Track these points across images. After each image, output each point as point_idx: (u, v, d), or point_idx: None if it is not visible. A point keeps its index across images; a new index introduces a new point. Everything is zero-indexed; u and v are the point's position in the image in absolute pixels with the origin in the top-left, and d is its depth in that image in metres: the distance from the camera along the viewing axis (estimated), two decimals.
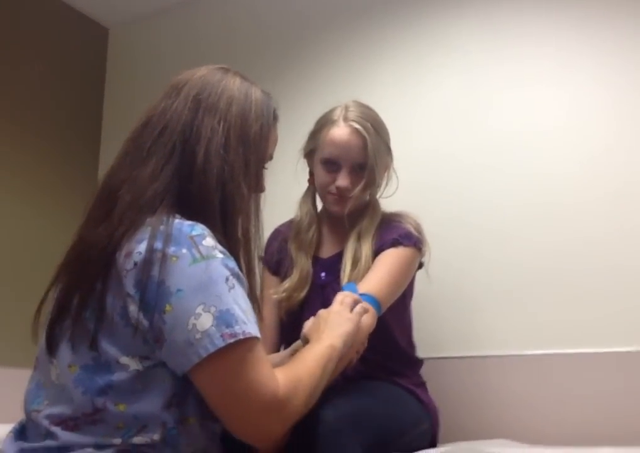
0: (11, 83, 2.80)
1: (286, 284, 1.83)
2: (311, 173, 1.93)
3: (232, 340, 1.06)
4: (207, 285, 1.08)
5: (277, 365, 1.20)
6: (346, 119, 1.79)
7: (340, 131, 1.79)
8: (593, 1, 2.24)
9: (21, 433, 1.19)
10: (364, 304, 1.49)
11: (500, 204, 2.24)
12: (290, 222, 1.98)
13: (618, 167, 2.11)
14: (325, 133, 1.81)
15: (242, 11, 2.96)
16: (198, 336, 1.05)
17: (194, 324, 1.06)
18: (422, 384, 1.86)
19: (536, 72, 2.29)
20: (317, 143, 1.84)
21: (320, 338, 1.33)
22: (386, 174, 1.88)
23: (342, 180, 1.79)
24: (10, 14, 2.83)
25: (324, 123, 1.84)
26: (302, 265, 1.85)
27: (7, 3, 2.82)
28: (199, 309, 1.06)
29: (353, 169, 1.80)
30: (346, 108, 1.82)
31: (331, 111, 1.85)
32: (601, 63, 2.20)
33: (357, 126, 1.78)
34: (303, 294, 1.82)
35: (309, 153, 1.90)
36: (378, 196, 1.90)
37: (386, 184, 1.90)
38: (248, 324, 1.09)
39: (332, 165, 1.80)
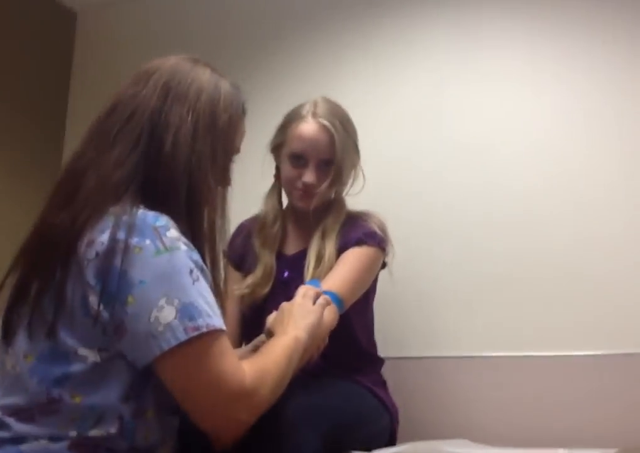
0: None
1: (250, 279, 1.83)
2: (277, 169, 1.92)
3: (195, 334, 1.05)
4: (170, 277, 1.07)
5: (240, 359, 1.19)
6: (314, 115, 1.79)
7: (308, 127, 1.78)
8: (566, 6, 2.26)
9: None
10: (326, 297, 1.50)
11: (463, 208, 2.25)
12: (255, 217, 1.97)
13: (580, 175, 2.13)
14: (293, 128, 1.80)
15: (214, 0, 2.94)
16: (160, 328, 1.04)
17: (157, 317, 1.04)
18: (382, 383, 1.87)
19: (503, 77, 2.30)
20: (285, 138, 1.83)
21: (284, 330, 1.33)
22: (353, 172, 1.88)
23: (309, 176, 1.78)
24: None
25: (292, 118, 1.83)
26: (265, 261, 1.84)
27: None
28: (162, 302, 1.05)
29: (320, 165, 1.79)
30: (315, 104, 1.81)
31: (300, 106, 1.84)
32: (569, 68, 2.22)
33: (325, 122, 1.77)
34: (266, 290, 1.81)
35: (276, 148, 1.89)
36: (344, 194, 1.90)
37: (353, 182, 1.89)
38: (212, 317, 1.08)
39: (299, 160, 1.80)
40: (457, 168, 2.29)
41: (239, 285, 1.84)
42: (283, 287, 1.81)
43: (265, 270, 1.83)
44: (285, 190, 1.89)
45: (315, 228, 1.83)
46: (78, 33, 3.23)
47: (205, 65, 1.31)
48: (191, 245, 1.13)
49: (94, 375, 1.08)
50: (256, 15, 2.82)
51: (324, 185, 1.80)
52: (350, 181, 1.89)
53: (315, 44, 2.66)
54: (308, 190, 1.80)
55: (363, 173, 1.91)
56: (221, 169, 1.27)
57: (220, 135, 1.25)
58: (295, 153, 1.80)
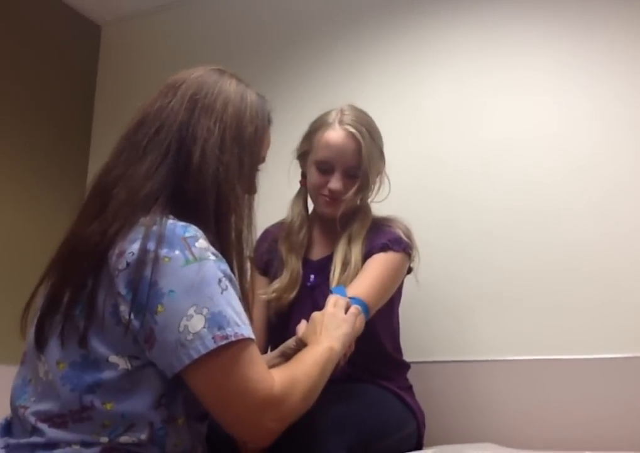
0: (2, 80, 2.78)
1: (276, 284, 1.83)
2: (303, 175, 1.93)
3: (223, 343, 1.06)
4: (199, 287, 1.08)
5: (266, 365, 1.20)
6: (341, 122, 1.79)
7: (335, 134, 1.79)
8: (584, 13, 2.27)
9: (6, 429, 1.18)
10: (357, 307, 1.50)
11: (488, 210, 2.25)
12: (281, 223, 1.98)
13: (604, 175, 2.13)
14: (320, 135, 1.81)
15: (236, 10, 2.96)
16: (190, 337, 1.05)
17: (186, 326, 1.05)
18: (408, 388, 1.87)
19: (526, 81, 2.31)
20: (311, 145, 1.84)
21: (318, 340, 1.34)
22: (378, 179, 1.88)
23: (335, 183, 1.79)
24: (1, 11, 2.81)
25: (319, 125, 1.84)
26: (292, 266, 1.85)
27: None
28: (191, 311, 1.06)
29: (346, 173, 1.80)
30: (342, 112, 1.82)
31: (326, 114, 1.85)
32: (590, 73, 2.22)
33: (352, 130, 1.78)
34: (292, 295, 1.81)
35: (302, 155, 1.90)
36: (369, 201, 1.91)
37: (379, 189, 1.89)
38: (241, 326, 1.09)
39: (326, 167, 1.80)
40: (481, 170, 2.30)
41: (266, 291, 1.84)
42: (309, 292, 1.82)
43: (292, 275, 1.83)
44: (312, 197, 1.90)
45: (341, 233, 1.84)
46: (102, 46, 3.28)
47: (231, 76, 1.32)
48: (219, 255, 1.15)
49: (125, 382, 1.09)
50: (278, 24, 2.84)
51: (351, 192, 1.80)
52: (376, 187, 1.89)
53: (341, 50, 2.67)
54: (334, 197, 1.80)
55: (388, 180, 1.91)
56: (247, 179, 1.28)
57: (246, 146, 1.26)
58: (322, 161, 1.80)
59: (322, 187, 1.81)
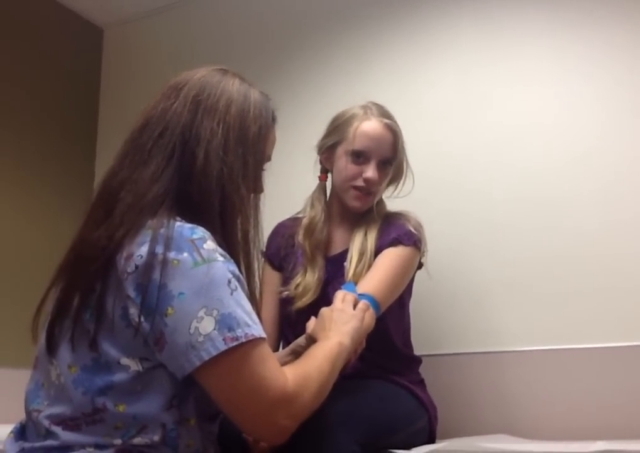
0: (5, 83, 2.78)
1: (299, 280, 1.82)
2: (323, 170, 1.94)
3: (234, 344, 1.06)
4: (208, 289, 1.08)
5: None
6: (375, 114, 1.82)
7: (374, 125, 1.82)
8: (587, 3, 2.26)
9: (21, 433, 1.19)
10: (365, 302, 1.50)
11: (494, 198, 2.26)
12: (295, 218, 1.98)
13: (608, 162, 2.13)
14: (356, 126, 1.82)
15: (237, 10, 2.96)
16: (200, 339, 1.05)
17: (196, 328, 1.05)
18: (419, 382, 1.87)
19: (530, 71, 2.31)
20: (344, 136, 1.84)
21: (327, 336, 1.34)
22: (404, 172, 1.91)
23: (372, 173, 1.80)
24: (3, 14, 2.81)
25: (350, 117, 1.85)
26: (319, 264, 1.84)
27: (0, 3, 2.81)
28: (201, 313, 1.06)
29: (381, 163, 1.82)
30: (369, 106, 1.85)
31: (352, 108, 1.87)
32: (593, 62, 2.22)
33: (388, 121, 1.82)
34: (318, 294, 1.80)
35: (330, 147, 1.89)
36: (396, 194, 1.93)
37: (404, 182, 1.91)
38: (251, 326, 1.09)
39: (360, 157, 1.81)
40: (487, 159, 2.30)
41: (288, 287, 1.83)
42: (322, 288, 1.82)
43: (319, 274, 1.82)
44: (340, 189, 1.87)
45: (358, 226, 1.85)
46: (105, 48, 3.28)
47: (234, 75, 1.32)
48: (227, 256, 1.15)
49: (137, 384, 1.09)
50: (279, 23, 2.85)
51: (384, 183, 1.83)
52: (402, 181, 1.91)
53: (344, 46, 2.67)
54: (368, 188, 1.81)
55: (412, 174, 1.92)
56: (253, 178, 1.27)
57: (250, 146, 1.26)
58: (359, 151, 1.81)
59: (355, 177, 1.82)
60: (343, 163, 1.83)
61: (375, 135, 1.81)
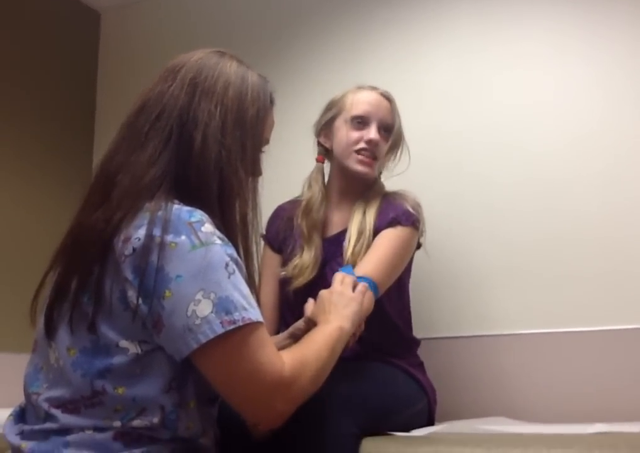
0: (1, 70, 2.77)
1: (296, 261, 1.83)
2: (320, 152, 1.95)
3: (231, 327, 1.06)
4: (206, 272, 1.08)
5: (276, 346, 1.20)
6: (367, 88, 1.90)
7: (369, 92, 1.89)
8: None
9: (21, 415, 1.20)
10: (364, 284, 1.50)
11: (494, 181, 2.26)
12: (295, 200, 1.98)
13: (607, 144, 2.14)
14: (352, 96, 1.89)
15: None
16: (197, 322, 1.05)
17: (194, 311, 1.05)
18: (418, 364, 1.87)
19: (528, 54, 2.31)
20: (342, 107, 1.89)
21: (327, 319, 1.34)
22: (401, 147, 1.92)
23: (373, 134, 1.83)
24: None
25: (344, 94, 1.91)
26: (315, 244, 1.84)
27: None
28: (199, 296, 1.06)
29: (381, 127, 1.85)
30: (360, 84, 1.92)
31: (343, 92, 1.92)
32: (592, 44, 2.22)
33: (383, 90, 1.90)
34: (315, 273, 1.81)
35: (327, 123, 1.91)
36: (391, 169, 1.95)
37: (400, 157, 1.93)
38: (248, 310, 1.09)
39: (360, 122, 1.85)
40: (486, 141, 2.31)
41: (285, 268, 1.84)
42: (320, 268, 1.82)
43: (316, 253, 1.83)
44: (343, 157, 1.88)
45: (356, 205, 1.85)
46: (102, 32, 3.26)
47: (232, 58, 1.31)
48: (225, 239, 1.14)
49: (136, 367, 1.10)
50: (278, 7, 2.84)
51: (386, 148, 1.85)
52: (398, 154, 1.93)
53: (342, 30, 2.66)
54: (371, 149, 1.83)
55: (408, 150, 1.94)
56: (251, 161, 1.27)
57: (248, 129, 1.25)
58: (358, 115, 1.85)
59: (358, 141, 1.84)
60: (344, 132, 1.86)
61: (371, 101, 1.87)
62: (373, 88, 1.91)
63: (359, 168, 1.84)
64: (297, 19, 2.78)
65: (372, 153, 1.83)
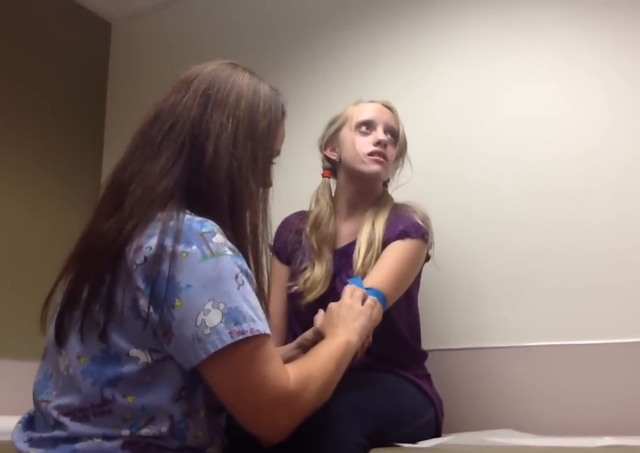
0: (13, 78, 2.79)
1: (307, 274, 1.83)
2: (325, 167, 1.97)
3: (239, 338, 1.06)
4: (216, 282, 1.08)
5: (282, 358, 1.20)
6: (367, 101, 1.94)
7: (370, 103, 1.93)
8: None
9: (29, 423, 1.20)
10: (373, 298, 1.50)
11: (502, 193, 2.25)
12: (301, 212, 1.99)
13: (616, 156, 2.12)
14: (352, 107, 1.93)
15: (245, 4, 2.95)
16: (207, 332, 1.06)
17: (203, 320, 1.06)
18: (426, 376, 1.87)
19: (537, 66, 2.30)
20: (345, 118, 1.92)
21: (335, 333, 1.34)
22: (404, 158, 1.95)
23: (381, 134, 1.86)
24: (11, 9, 2.81)
25: (345, 109, 1.95)
26: (326, 258, 1.84)
27: None
28: (208, 306, 1.07)
29: (387, 130, 1.88)
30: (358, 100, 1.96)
31: (343, 108, 1.96)
32: (601, 57, 2.21)
33: (383, 101, 1.94)
34: (327, 287, 1.80)
35: (332, 136, 1.93)
36: (394, 179, 1.97)
37: (402, 169, 1.96)
38: (257, 322, 1.09)
39: (367, 127, 1.88)
40: (494, 154, 2.29)
41: (297, 282, 1.84)
42: (331, 280, 1.82)
43: (327, 267, 1.83)
44: (354, 163, 1.88)
45: (365, 216, 1.86)
46: (113, 42, 3.28)
47: (244, 70, 1.32)
48: (236, 250, 1.15)
49: (146, 375, 1.10)
50: (288, 16, 2.84)
51: (394, 151, 1.88)
52: (399, 169, 1.96)
53: (352, 40, 2.66)
54: (381, 149, 1.85)
55: (410, 162, 1.96)
56: (262, 173, 1.28)
57: (260, 140, 1.26)
58: (363, 121, 1.88)
59: (366, 145, 1.86)
60: (351, 140, 1.88)
61: (374, 108, 1.92)
62: (373, 101, 1.95)
63: (373, 167, 1.85)
64: (305, 29, 2.79)
65: (382, 153, 1.85)
